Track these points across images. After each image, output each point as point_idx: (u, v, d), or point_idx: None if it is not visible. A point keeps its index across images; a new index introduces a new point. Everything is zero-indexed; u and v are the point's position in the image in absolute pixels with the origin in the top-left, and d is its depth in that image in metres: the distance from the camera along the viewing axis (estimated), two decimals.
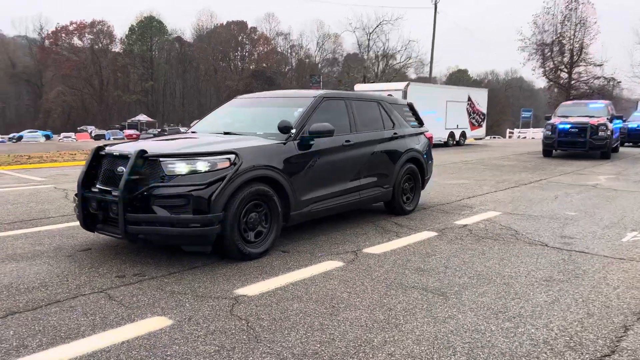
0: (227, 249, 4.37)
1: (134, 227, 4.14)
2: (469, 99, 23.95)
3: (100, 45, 79.19)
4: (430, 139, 7.44)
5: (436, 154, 17.44)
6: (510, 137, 43.50)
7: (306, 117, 5.28)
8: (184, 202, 4.12)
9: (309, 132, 5.10)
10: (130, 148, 4.44)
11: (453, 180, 10.63)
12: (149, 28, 76.37)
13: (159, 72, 77.25)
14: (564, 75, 39.48)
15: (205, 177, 4.21)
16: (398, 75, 49.46)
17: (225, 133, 5.37)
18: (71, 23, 79.26)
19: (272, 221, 4.72)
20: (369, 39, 48.15)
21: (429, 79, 37.86)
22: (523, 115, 48.53)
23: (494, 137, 49.73)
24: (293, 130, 5.05)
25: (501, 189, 9.26)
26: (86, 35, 79.91)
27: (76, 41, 79.71)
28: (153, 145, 4.66)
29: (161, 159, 4.28)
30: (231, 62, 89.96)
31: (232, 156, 4.35)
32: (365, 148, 5.94)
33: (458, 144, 23.61)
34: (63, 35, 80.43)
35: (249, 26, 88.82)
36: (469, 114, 24.13)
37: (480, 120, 24.99)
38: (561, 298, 3.70)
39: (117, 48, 79.64)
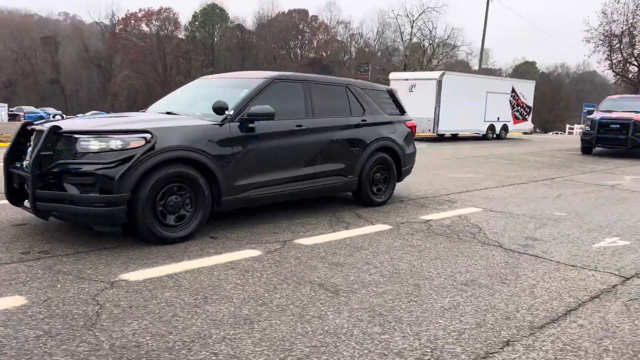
0: (140, 231, 4.25)
1: (43, 204, 4.10)
2: (513, 91, 22.70)
3: (166, 31, 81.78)
4: (413, 128, 6.99)
5: (462, 147, 16.89)
6: (570, 132, 41.13)
7: (249, 99, 5.05)
8: (92, 181, 4.03)
9: (247, 115, 4.87)
10: (51, 124, 4.39)
11: (459, 173, 10.05)
12: (211, 15, 78.05)
13: (219, 58, 78.95)
14: (634, 69, 36.68)
15: (115, 155, 4.08)
16: (446, 65, 47.77)
17: (167, 113, 5.24)
18: (140, 10, 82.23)
19: (197, 205, 4.55)
20: (412, 27, 46.72)
21: (479, 69, 36.28)
22: (586, 110, 45.61)
23: (556, 133, 47.23)
24: (230, 112, 4.84)
25: (504, 185, 8.65)
26: (153, 22, 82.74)
27: (144, 28, 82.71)
28: (76, 123, 4.60)
29: (75, 136, 4.19)
30: (291, 50, 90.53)
31: (147, 135, 4.20)
32: (323, 134, 5.64)
33: (499, 137, 22.49)
34: (132, 21, 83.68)
35: (310, 14, 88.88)
36: (512, 107, 22.89)
37: (525, 113, 23.66)
38: (464, 305, 3.32)
39: (181, 35, 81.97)
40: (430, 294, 3.50)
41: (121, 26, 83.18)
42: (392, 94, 6.86)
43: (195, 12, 78.78)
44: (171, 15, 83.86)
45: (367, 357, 2.59)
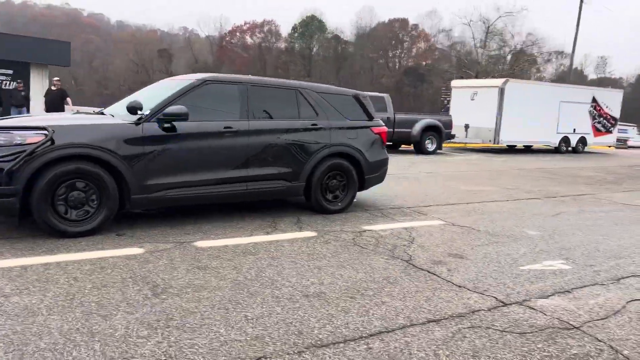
0: (38, 223, 4.47)
1: None
2: (594, 101, 20.65)
3: (267, 43, 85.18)
4: (382, 134, 6.66)
5: (518, 159, 15.62)
6: None
7: (171, 100, 5.13)
8: None
9: (163, 115, 4.95)
10: None
11: (475, 186, 9.38)
12: (310, 27, 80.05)
13: (316, 68, 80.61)
14: None
15: (10, 149, 4.34)
16: (557, 75, 44.62)
17: (99, 112, 5.47)
18: (245, 23, 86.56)
19: (102, 202, 4.70)
20: (487, 32, 44.18)
21: (568, 76, 33.36)
22: None
23: None
24: (144, 112, 4.95)
25: (509, 200, 7.95)
26: (256, 34, 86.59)
27: (248, 39, 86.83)
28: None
29: None
30: (389, 59, 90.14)
31: (45, 132, 4.43)
32: (260, 137, 5.57)
33: (575, 150, 20.56)
34: (238, 34, 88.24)
35: (410, 23, 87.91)
36: (593, 118, 20.82)
37: (609, 125, 21.42)
38: (274, 316, 3.11)
39: (281, 46, 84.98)
40: (252, 303, 3.31)
41: (227, 38, 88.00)
42: (358, 99, 6.60)
43: (295, 24, 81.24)
44: (273, 28, 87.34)
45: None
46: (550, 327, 3.15)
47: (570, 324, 3.21)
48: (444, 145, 18.39)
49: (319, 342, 2.79)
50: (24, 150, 4.30)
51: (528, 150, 21.19)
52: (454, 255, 4.66)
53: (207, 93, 5.41)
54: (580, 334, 3.07)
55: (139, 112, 4.92)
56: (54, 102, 14.42)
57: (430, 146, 16.61)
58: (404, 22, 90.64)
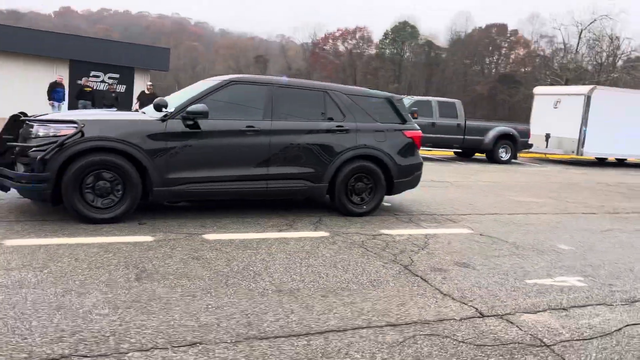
0: (67, 208, 4.92)
1: (2, 179, 5.02)
2: None
3: (358, 49, 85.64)
4: (415, 138, 6.52)
5: (603, 173, 14.24)
6: None
7: (196, 98, 5.41)
8: (27, 161, 4.82)
9: (185, 112, 5.24)
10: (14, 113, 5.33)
11: (529, 197, 8.88)
12: (402, 33, 79.40)
13: (405, 74, 79.77)
14: None
15: (45, 140, 4.82)
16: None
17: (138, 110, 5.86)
18: (337, 30, 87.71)
19: (126, 192, 5.06)
20: (579, 36, 40.91)
21: None
22: None
23: None
24: (169, 109, 5.26)
25: (558, 213, 7.46)
26: (348, 40, 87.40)
27: (340, 46, 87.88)
28: (48, 114, 5.47)
29: (29, 122, 5.06)
30: (485, 65, 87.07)
31: (75, 125, 4.86)
32: (281, 137, 5.69)
33: None
34: (330, 40, 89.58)
35: (509, 29, 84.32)
36: None
37: None
38: (227, 307, 3.20)
39: (372, 51, 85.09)
40: (222, 293, 3.43)
41: (320, 45, 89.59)
42: (392, 102, 6.52)
43: (386, 30, 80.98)
44: (365, 34, 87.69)
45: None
46: (516, 342, 2.96)
47: (542, 342, 2.99)
48: (520, 155, 17.48)
49: (261, 335, 2.84)
50: (56, 141, 4.73)
51: (621, 164, 19.54)
52: (460, 264, 4.48)
53: (233, 93, 5.63)
54: (547, 352, 2.86)
55: (164, 109, 5.23)
56: (145, 104, 15.55)
57: (504, 155, 15.87)
58: (502, 27, 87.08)
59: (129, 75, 31.12)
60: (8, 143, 5.06)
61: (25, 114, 5.51)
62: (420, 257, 4.60)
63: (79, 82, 18.63)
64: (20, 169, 4.93)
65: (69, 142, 4.78)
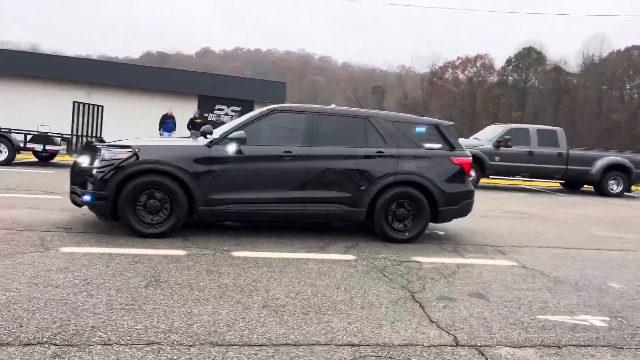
0: (123, 222, 5.58)
1: (71, 195, 5.85)
2: None
3: (479, 77, 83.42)
4: (464, 165, 6.36)
5: None
6: None
7: (239, 126, 5.87)
8: (92, 180, 5.59)
9: (227, 139, 5.71)
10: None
11: (614, 232, 8.09)
12: (526, 59, 75.93)
13: (530, 101, 75.75)
14: None
15: (107, 162, 5.55)
16: None
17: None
18: (457, 58, 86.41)
19: (173, 210, 5.61)
20: None
21: None
22: None
23: None
24: (214, 136, 5.77)
25: (636, 249, 6.72)
26: (468, 68, 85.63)
27: (459, 74, 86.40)
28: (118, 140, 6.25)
29: (97, 147, 5.85)
30: (626, 92, 79.85)
31: (129, 150, 5.54)
32: (319, 162, 5.92)
33: None
34: (449, 69, 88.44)
35: None
36: None
37: None
38: (195, 317, 3.48)
39: (493, 79, 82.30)
40: (210, 303, 3.70)
41: (438, 74, 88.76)
42: (439, 129, 6.45)
43: (509, 57, 77.92)
44: (487, 62, 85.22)
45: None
46: None
47: None
48: (634, 187, 15.79)
49: (218, 342, 3.05)
50: (113, 164, 5.42)
51: None
52: (474, 295, 4.32)
53: (275, 120, 6.00)
54: None
55: (209, 136, 5.74)
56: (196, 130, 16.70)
57: (615, 188, 14.48)
58: None
59: (248, 108, 33.47)
60: (81, 165, 5.87)
61: (102, 140, 6.36)
62: (435, 285, 4.50)
63: (195, 115, 20.26)
64: (89, 187, 5.69)
65: (125, 164, 5.43)
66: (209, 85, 31.97)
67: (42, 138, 12.25)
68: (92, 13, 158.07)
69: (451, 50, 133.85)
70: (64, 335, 2.97)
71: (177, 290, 3.93)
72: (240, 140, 5.64)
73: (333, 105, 6.68)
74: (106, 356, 2.76)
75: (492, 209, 10.18)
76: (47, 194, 8.38)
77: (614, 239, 7.48)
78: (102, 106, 15.32)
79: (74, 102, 13.60)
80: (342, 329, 3.37)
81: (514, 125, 14.95)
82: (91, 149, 5.91)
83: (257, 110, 6.25)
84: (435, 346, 3.19)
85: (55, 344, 2.86)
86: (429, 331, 3.44)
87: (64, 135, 12.52)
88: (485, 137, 14.94)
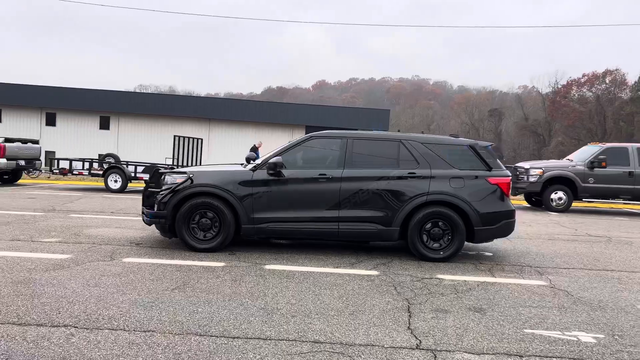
0: (179, 237, 6.44)
1: (142, 216, 6.85)
2: None
3: (608, 94, 77.19)
4: (503, 185, 6.36)
5: None
6: None
7: (280, 152, 6.51)
8: (155, 202, 6.54)
9: (268, 163, 6.38)
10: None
11: None
12: None
13: None
14: None
15: (167, 186, 6.47)
16: None
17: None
18: (583, 75, 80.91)
19: (221, 228, 6.37)
20: None
21: None
22: None
23: None
24: (257, 161, 6.48)
25: None
26: (596, 85, 79.74)
27: (585, 92, 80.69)
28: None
29: (161, 172, 6.82)
30: None
31: (185, 175, 6.42)
32: (352, 183, 6.32)
33: None
34: (574, 87, 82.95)
35: None
36: None
37: None
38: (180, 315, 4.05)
39: (625, 96, 75.58)
40: (217, 305, 4.26)
41: (561, 93, 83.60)
42: (474, 149, 6.54)
43: None
44: (618, 77, 78.66)
45: None
46: None
47: None
48: None
49: (200, 332, 3.59)
50: (170, 187, 6.32)
51: None
52: (473, 309, 4.44)
53: (313, 145, 6.55)
54: None
55: (252, 161, 6.44)
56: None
57: None
58: None
59: None
60: (149, 189, 6.86)
61: (172, 167, 7.36)
62: (438, 300, 4.67)
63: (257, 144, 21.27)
64: (154, 209, 6.63)
65: (180, 187, 6.30)
66: (319, 115, 33.60)
67: (151, 169, 14.00)
68: (219, 54, 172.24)
69: (576, 67, 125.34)
70: (86, 322, 3.71)
71: (196, 293, 4.57)
72: (278, 165, 6.24)
73: (374, 130, 7.05)
74: (107, 337, 3.43)
75: (567, 232, 9.69)
76: (139, 216, 9.65)
77: None
78: (202, 139, 16.97)
79: (174, 136, 15.32)
80: (317, 330, 3.75)
81: (610, 145, 13.94)
82: (158, 175, 6.88)
83: (298, 138, 6.84)
84: (394, 348, 3.45)
85: (75, 327, 3.60)
86: (398, 336, 3.68)
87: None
88: (579, 158, 14.09)
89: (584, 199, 13.57)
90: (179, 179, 6.44)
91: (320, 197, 6.33)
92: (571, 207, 13.94)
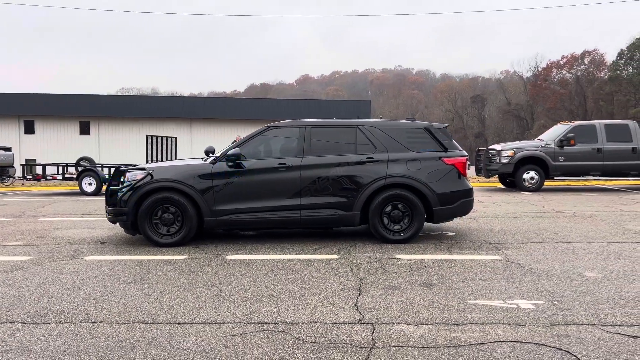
0: (142, 233, 6.47)
1: (106, 215, 6.87)
2: None
3: (588, 75, 77.99)
4: (458, 164, 6.47)
5: None
6: None
7: (239, 144, 6.56)
8: (117, 200, 6.55)
9: (226, 156, 6.42)
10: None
11: None
12: None
13: None
14: None
15: (128, 184, 6.50)
16: None
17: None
18: (562, 57, 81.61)
19: (184, 222, 6.42)
20: None
21: None
22: None
23: None
24: (217, 154, 6.52)
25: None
26: (575, 67, 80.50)
27: (565, 74, 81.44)
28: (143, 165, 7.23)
29: (123, 170, 6.84)
30: None
31: (145, 171, 6.45)
32: (311, 171, 6.39)
33: None
34: (554, 70, 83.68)
35: None
36: None
37: None
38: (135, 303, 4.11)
39: (603, 76, 76.45)
40: (170, 292, 4.33)
41: (541, 76, 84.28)
42: (430, 131, 6.64)
43: (621, 50, 71.94)
44: (597, 57, 79.50)
45: None
46: (344, 343, 3.17)
47: (363, 344, 3.13)
48: None
49: (147, 320, 3.64)
50: (130, 184, 6.34)
51: None
52: (423, 284, 4.54)
53: (272, 135, 6.61)
54: (353, 352, 3.02)
55: (211, 154, 6.49)
56: None
57: None
58: None
59: None
60: (111, 187, 6.88)
61: (134, 166, 7.36)
62: (391, 278, 4.76)
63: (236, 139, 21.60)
64: (117, 206, 6.65)
65: (140, 184, 6.33)
66: (299, 109, 33.61)
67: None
68: (204, 54, 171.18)
69: (555, 50, 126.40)
70: (34, 317, 3.75)
71: (152, 285, 4.62)
72: (236, 157, 6.29)
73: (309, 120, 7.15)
74: (52, 330, 3.48)
75: (534, 210, 9.86)
76: None
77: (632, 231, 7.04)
78: (175, 137, 16.95)
79: (146, 135, 15.29)
80: (264, 312, 3.82)
81: (578, 123, 14.16)
82: (120, 174, 6.90)
83: (257, 129, 6.89)
84: (336, 323, 3.53)
85: (22, 323, 3.64)
86: (343, 312, 3.77)
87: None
88: (550, 137, 14.30)
89: (555, 178, 13.77)
90: (138, 175, 6.47)
91: (281, 186, 6.39)
92: (545, 187, 14.14)
